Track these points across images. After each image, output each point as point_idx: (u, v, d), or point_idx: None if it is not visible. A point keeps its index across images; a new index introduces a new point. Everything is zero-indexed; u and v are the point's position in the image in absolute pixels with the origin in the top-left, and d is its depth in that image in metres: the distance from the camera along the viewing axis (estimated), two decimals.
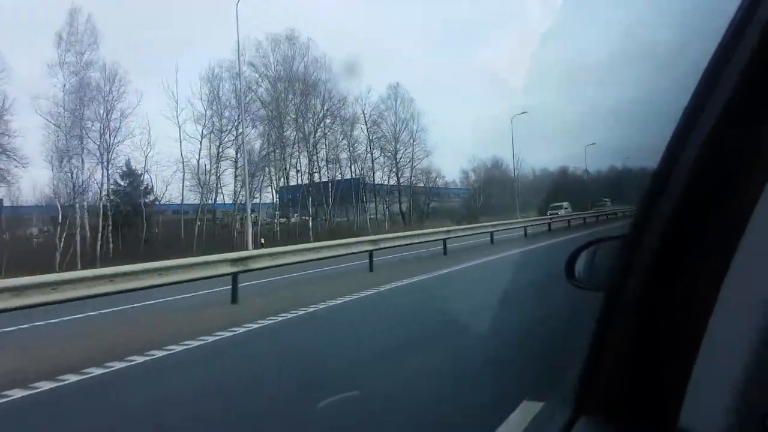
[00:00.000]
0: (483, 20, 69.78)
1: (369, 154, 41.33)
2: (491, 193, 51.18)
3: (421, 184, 44.40)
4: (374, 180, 41.84)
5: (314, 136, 37.07)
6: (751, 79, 0.67)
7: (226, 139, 32.46)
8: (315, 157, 37.15)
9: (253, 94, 34.29)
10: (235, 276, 8.79)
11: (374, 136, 41.29)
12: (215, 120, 32.37)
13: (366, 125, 40.79)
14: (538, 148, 78.59)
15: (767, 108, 0.66)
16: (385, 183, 43.08)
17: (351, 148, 39.77)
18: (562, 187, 66.53)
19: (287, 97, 36.39)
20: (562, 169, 68.78)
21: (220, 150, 32.52)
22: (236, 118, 30.52)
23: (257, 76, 35.23)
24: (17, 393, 4.37)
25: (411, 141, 42.68)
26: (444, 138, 65.84)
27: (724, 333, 0.67)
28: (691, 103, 0.73)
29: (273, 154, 35.14)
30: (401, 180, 43.02)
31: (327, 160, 38.28)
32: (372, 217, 41.57)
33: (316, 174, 37.24)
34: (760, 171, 0.66)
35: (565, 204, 53.56)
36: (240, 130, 29.07)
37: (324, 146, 38.10)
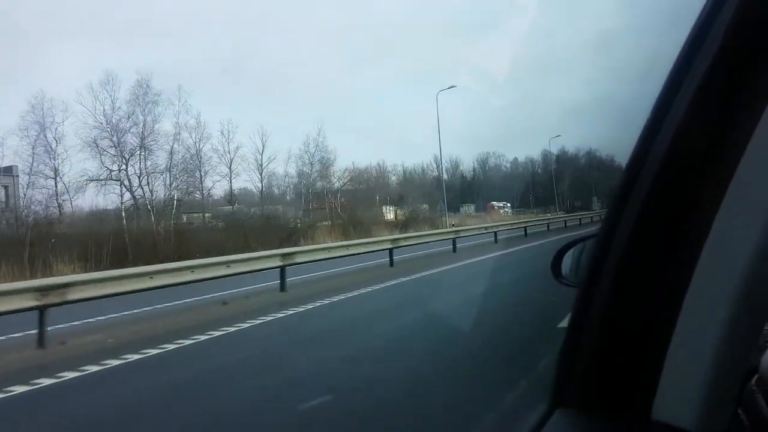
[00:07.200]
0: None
1: None
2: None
3: None
4: None
5: None
6: (714, 80, 0.69)
7: None
8: None
9: None
10: None
11: None
12: None
13: None
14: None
15: (730, 107, 0.69)
16: None
17: None
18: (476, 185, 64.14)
19: None
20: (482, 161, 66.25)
21: None
22: None
23: None
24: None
25: None
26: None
27: (695, 327, 0.70)
28: (657, 104, 0.75)
29: None
30: None
31: None
32: None
33: None
34: (725, 167, 0.68)
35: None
36: None
37: None
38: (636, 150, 0.76)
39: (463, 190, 72.24)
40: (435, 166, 66.61)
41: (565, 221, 33.85)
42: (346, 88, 69.80)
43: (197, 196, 34.89)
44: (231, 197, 37.64)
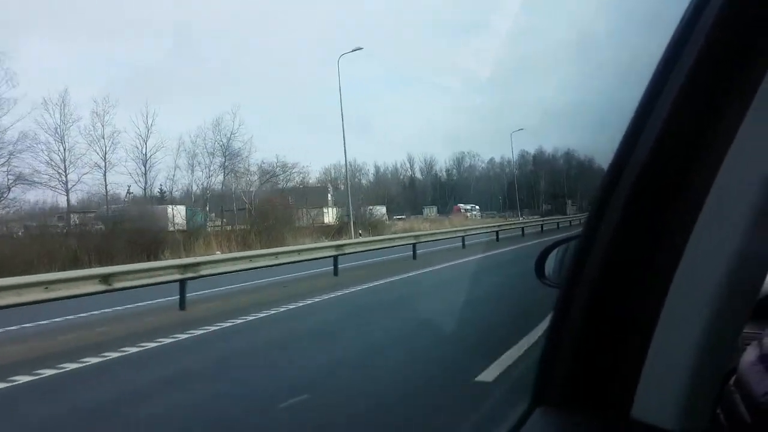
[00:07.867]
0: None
1: None
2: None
3: None
4: None
5: None
6: (696, 81, 0.68)
7: None
8: None
9: None
10: None
11: None
12: None
13: None
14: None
15: (714, 106, 0.68)
16: None
17: None
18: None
19: None
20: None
21: None
22: None
23: None
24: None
25: None
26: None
27: (675, 328, 0.69)
28: (641, 104, 0.74)
29: None
30: None
31: None
32: None
33: None
34: (708, 169, 0.67)
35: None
36: None
37: None
38: (619, 150, 0.76)
39: (435, 191, 66.12)
40: (408, 165, 59.95)
41: (523, 228, 27.56)
42: (326, 86, 64.51)
43: (59, 191, 28.91)
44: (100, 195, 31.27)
